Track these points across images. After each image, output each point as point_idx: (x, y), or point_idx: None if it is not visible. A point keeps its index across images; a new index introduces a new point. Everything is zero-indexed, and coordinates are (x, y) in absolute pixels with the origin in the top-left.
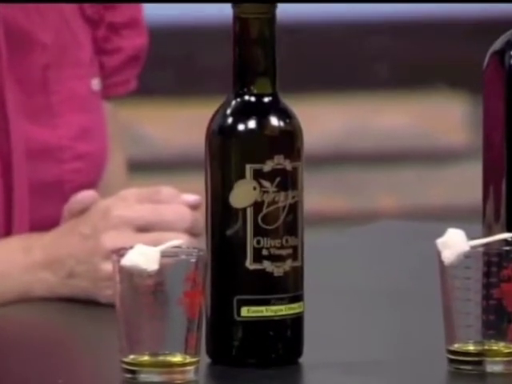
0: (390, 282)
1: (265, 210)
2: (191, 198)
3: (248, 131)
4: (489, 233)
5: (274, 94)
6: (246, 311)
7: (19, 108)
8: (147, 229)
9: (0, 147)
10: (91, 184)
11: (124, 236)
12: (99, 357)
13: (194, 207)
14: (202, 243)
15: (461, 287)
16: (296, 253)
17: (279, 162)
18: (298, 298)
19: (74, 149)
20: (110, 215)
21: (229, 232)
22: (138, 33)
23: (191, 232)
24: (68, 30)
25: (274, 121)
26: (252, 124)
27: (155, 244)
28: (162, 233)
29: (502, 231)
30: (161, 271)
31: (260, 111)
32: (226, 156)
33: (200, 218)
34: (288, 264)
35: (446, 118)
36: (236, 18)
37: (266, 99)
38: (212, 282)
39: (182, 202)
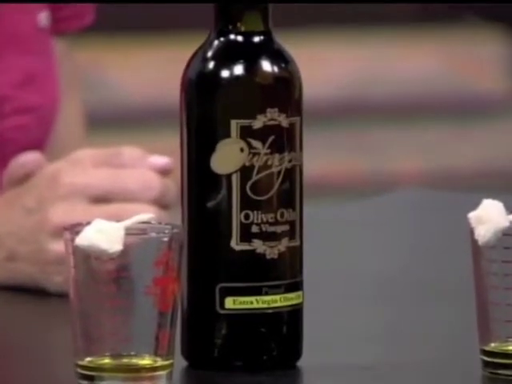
0: (410, 265)
1: (255, 177)
2: (160, 160)
3: (234, 79)
4: None
5: (266, 33)
6: (231, 302)
7: None
8: (106, 199)
9: None
10: (38, 144)
11: (77, 209)
12: (48, 359)
13: (163, 172)
14: (177, 218)
15: (498, 272)
16: (293, 230)
17: (273, 116)
18: (295, 287)
19: (17, 99)
20: (59, 183)
21: (210, 204)
22: None
23: (160, 203)
24: None
25: (267, 65)
26: (239, 70)
27: (116, 218)
28: (125, 204)
29: None
30: (125, 253)
31: (249, 54)
32: (206, 110)
33: (171, 185)
34: (283, 244)
35: (480, 59)
36: None
37: (257, 39)
38: (189, 266)
39: (148, 165)
